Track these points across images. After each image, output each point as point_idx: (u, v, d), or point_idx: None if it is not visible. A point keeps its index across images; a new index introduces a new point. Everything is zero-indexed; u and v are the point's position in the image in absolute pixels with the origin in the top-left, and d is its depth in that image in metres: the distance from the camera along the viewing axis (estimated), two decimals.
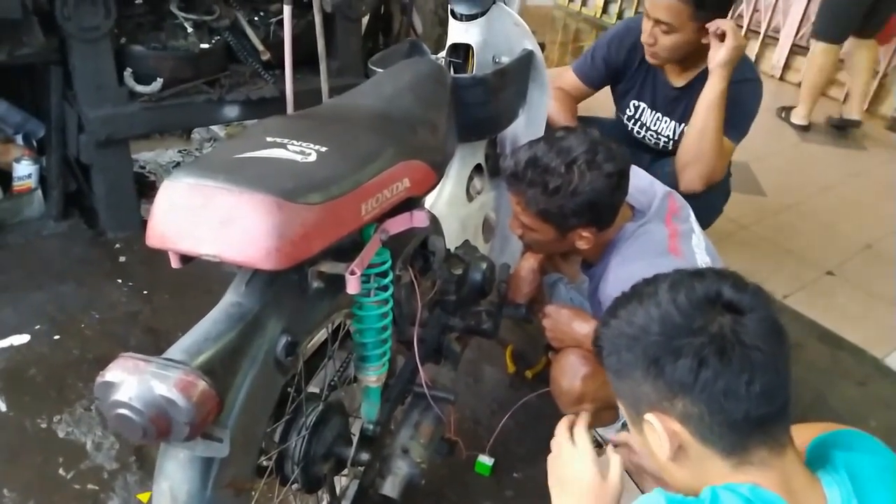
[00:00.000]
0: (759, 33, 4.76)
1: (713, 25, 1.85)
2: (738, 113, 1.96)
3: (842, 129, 3.92)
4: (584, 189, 1.34)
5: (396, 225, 1.14)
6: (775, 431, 0.81)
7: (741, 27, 4.76)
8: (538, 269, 1.77)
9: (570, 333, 1.56)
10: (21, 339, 2.01)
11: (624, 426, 1.62)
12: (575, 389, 1.53)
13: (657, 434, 0.83)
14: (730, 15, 4.69)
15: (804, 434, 0.91)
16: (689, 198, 1.93)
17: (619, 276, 1.40)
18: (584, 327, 1.53)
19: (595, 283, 1.53)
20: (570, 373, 1.54)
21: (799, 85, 4.11)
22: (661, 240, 1.47)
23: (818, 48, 3.71)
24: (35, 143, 2.54)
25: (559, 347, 1.61)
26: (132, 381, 0.78)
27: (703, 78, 1.92)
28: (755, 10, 4.77)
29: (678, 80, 2.07)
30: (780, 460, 0.81)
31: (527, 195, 1.40)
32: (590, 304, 1.64)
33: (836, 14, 3.61)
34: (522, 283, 1.75)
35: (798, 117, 3.92)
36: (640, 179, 1.59)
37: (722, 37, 1.83)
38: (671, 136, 2.13)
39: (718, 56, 1.86)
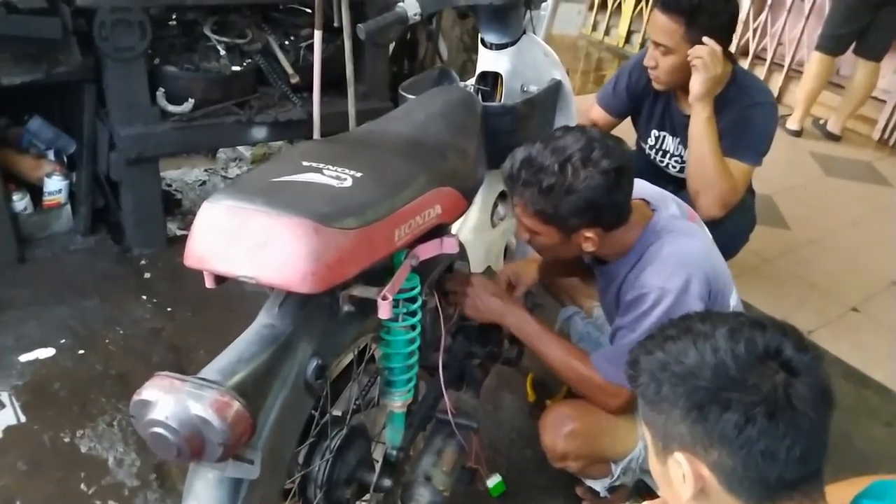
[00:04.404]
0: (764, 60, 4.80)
1: (693, 52, 1.84)
2: (749, 136, 1.96)
3: (830, 137, 4.20)
4: (579, 187, 1.28)
5: (427, 251, 1.15)
6: (806, 489, 0.79)
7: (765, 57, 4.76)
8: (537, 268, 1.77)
9: (488, 306, 1.52)
10: (46, 352, 2.03)
11: (615, 482, 1.59)
12: (558, 447, 1.50)
13: (682, 473, 0.81)
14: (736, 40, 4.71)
15: (848, 490, 0.89)
16: (713, 225, 1.92)
17: (677, 250, 1.37)
18: (497, 304, 1.51)
19: (616, 277, 1.47)
20: (554, 429, 1.51)
21: None
22: (702, 231, 1.46)
23: (814, 56, 4.02)
24: (66, 159, 2.58)
25: (474, 317, 1.56)
26: (168, 401, 0.79)
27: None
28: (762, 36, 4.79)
29: (688, 108, 2.07)
30: None
31: (523, 196, 1.35)
32: (606, 300, 1.56)
33: (829, 30, 3.90)
34: (524, 276, 1.75)
35: (792, 122, 4.20)
36: (653, 188, 1.56)
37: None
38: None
39: (692, 90, 1.87)
